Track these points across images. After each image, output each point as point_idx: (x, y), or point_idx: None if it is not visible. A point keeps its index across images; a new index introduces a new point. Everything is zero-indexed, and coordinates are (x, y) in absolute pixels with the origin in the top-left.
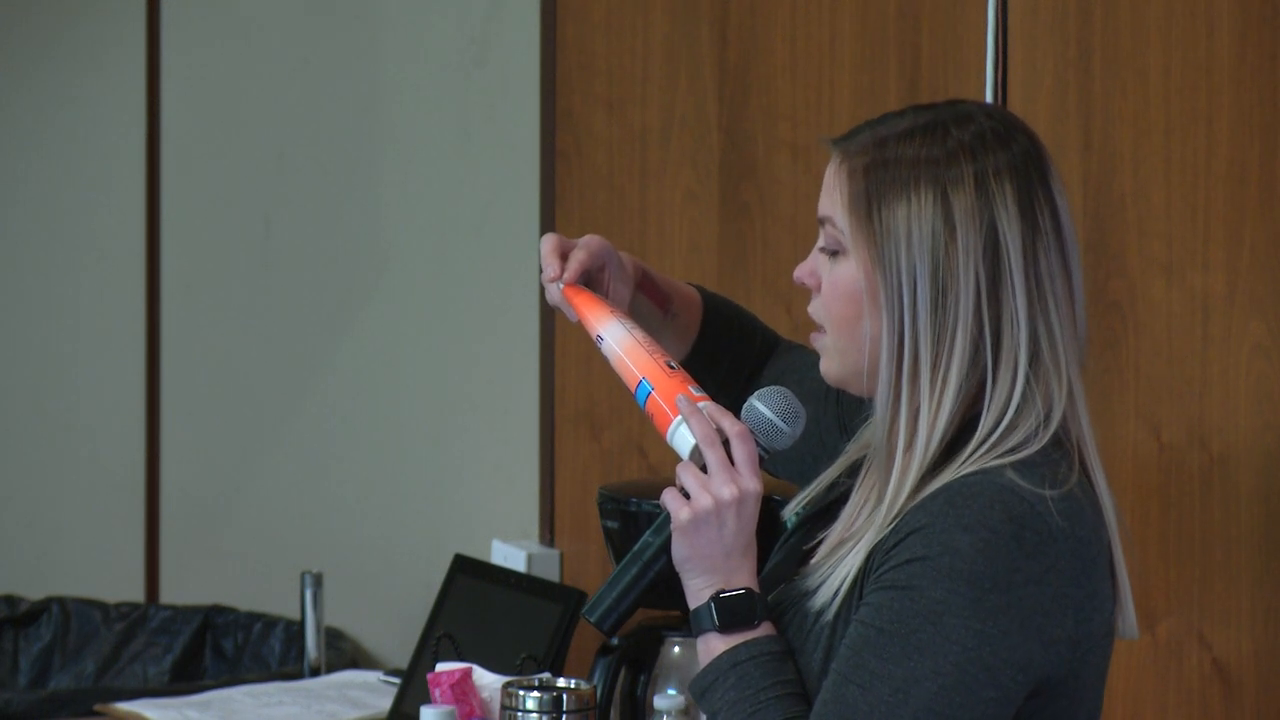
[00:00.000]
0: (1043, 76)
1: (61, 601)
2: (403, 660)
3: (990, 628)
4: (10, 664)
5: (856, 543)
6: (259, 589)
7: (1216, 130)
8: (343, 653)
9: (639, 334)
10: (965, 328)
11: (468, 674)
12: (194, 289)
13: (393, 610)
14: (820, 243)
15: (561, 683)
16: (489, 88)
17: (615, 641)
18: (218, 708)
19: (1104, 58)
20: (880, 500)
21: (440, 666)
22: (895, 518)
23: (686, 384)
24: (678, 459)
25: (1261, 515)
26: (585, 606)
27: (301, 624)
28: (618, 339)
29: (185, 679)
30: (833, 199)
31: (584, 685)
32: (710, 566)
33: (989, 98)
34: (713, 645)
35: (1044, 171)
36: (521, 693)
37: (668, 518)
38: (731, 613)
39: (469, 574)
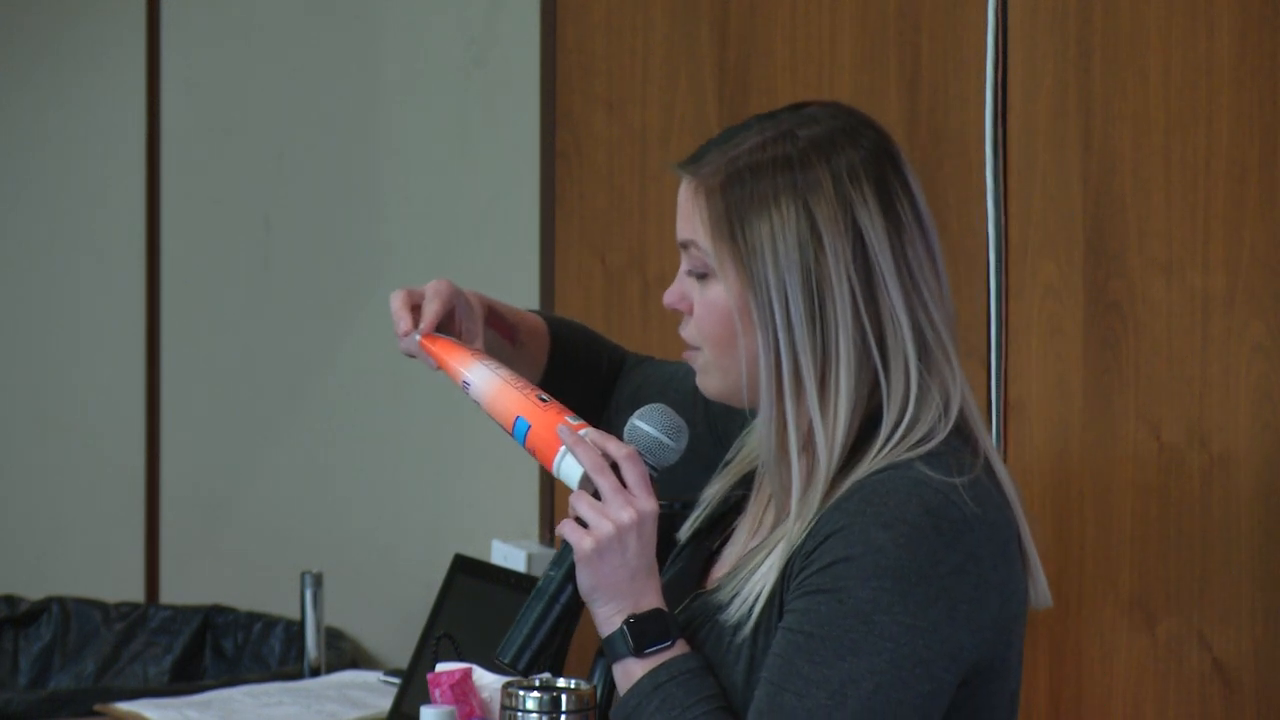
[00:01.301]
0: (1043, 76)
1: (61, 601)
2: (403, 660)
3: (920, 621)
4: (10, 664)
5: (769, 554)
6: (259, 589)
7: (1216, 130)
8: (343, 653)
9: (504, 372)
10: (847, 333)
11: (468, 674)
12: (194, 289)
13: (393, 610)
14: (685, 266)
15: (561, 683)
16: (489, 88)
17: None
18: (218, 708)
19: (1104, 57)
20: (787, 510)
21: (440, 666)
22: (809, 524)
23: (563, 414)
24: None
25: (1261, 515)
26: (498, 649)
27: (301, 624)
28: (485, 380)
29: (185, 679)
30: (692, 223)
31: (584, 685)
32: (618, 592)
33: (989, 98)
34: (631, 670)
35: (897, 163)
36: (521, 693)
37: (566, 549)
38: (645, 635)
39: (469, 574)
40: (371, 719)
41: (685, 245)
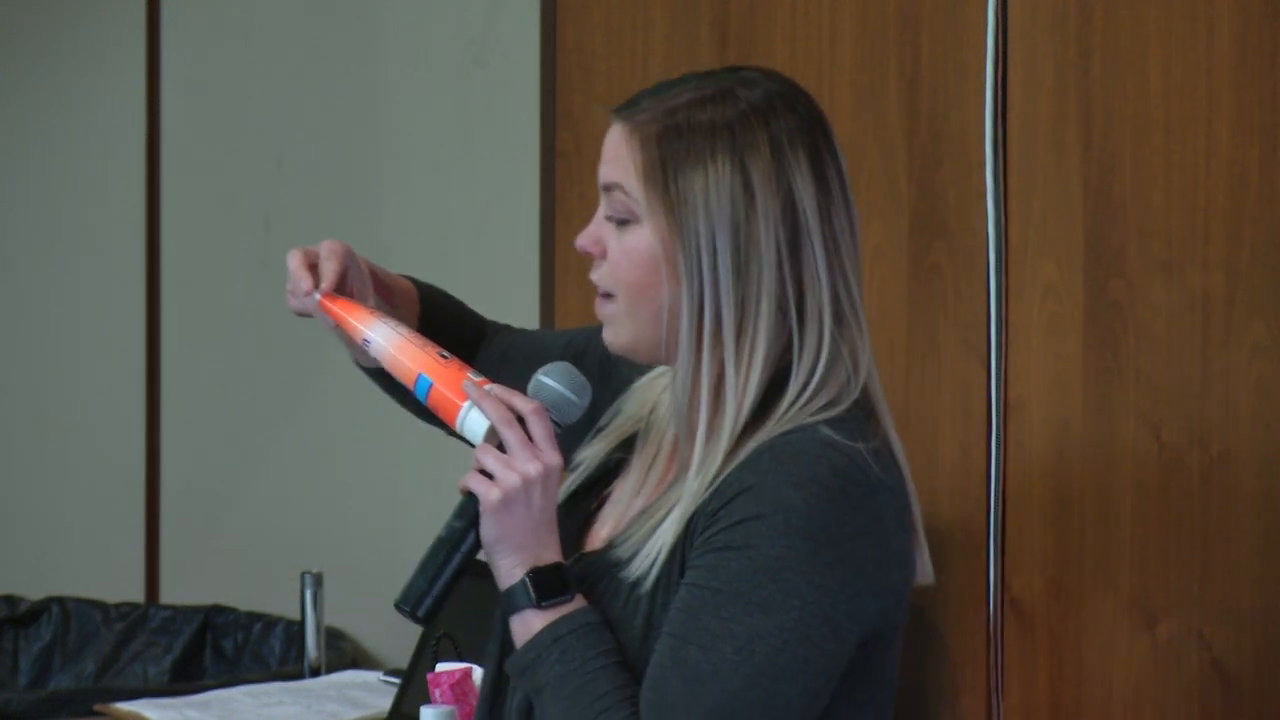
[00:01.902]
0: (1043, 77)
1: (62, 601)
2: (403, 660)
3: (828, 581)
4: (10, 664)
5: (668, 511)
6: (259, 589)
7: (1216, 130)
8: (343, 653)
9: (405, 330)
10: (769, 292)
11: (468, 674)
12: (194, 289)
13: (393, 610)
14: (606, 211)
15: None
16: (489, 88)
17: None
18: (218, 708)
19: (1104, 58)
20: (689, 459)
21: (440, 666)
22: (712, 482)
23: (465, 370)
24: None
25: (1261, 515)
26: (398, 598)
27: (302, 624)
28: (387, 338)
29: (185, 679)
30: (624, 167)
31: None
32: (521, 544)
33: (989, 98)
34: (530, 622)
35: (827, 133)
36: None
37: (469, 501)
38: (548, 587)
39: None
40: (372, 719)
41: (609, 189)
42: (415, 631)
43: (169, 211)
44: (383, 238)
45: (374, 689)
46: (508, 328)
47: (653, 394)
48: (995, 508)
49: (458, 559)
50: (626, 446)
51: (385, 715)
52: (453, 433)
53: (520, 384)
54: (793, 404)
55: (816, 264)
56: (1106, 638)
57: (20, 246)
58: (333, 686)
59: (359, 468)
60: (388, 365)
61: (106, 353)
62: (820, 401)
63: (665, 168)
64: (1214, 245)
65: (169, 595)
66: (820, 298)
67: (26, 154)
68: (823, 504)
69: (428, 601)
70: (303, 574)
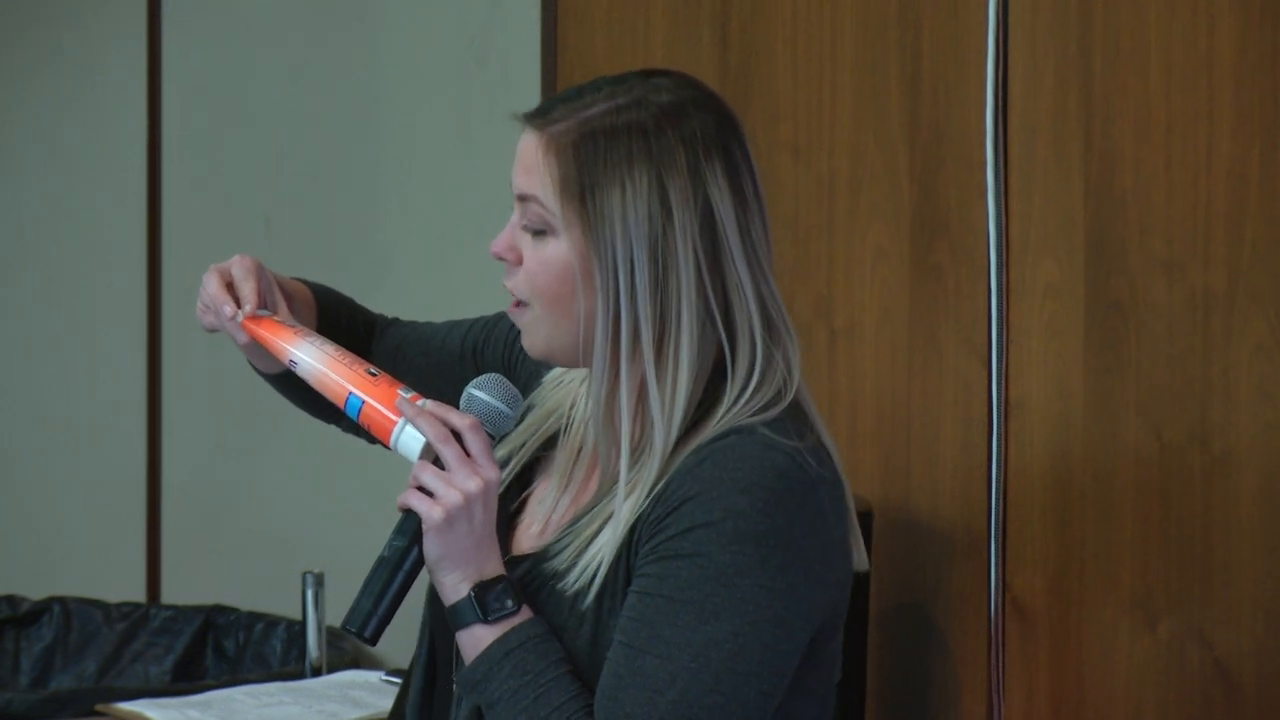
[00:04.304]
0: (1043, 75)
1: (63, 601)
2: (404, 660)
3: (780, 583)
4: (12, 664)
5: (603, 522)
6: (260, 589)
7: (1217, 128)
8: (344, 653)
9: (330, 347)
10: (690, 303)
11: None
12: (195, 289)
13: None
14: (521, 220)
15: None
16: (489, 87)
17: None
18: (219, 708)
19: (1105, 56)
20: (613, 471)
21: None
22: (652, 491)
23: (395, 387)
24: None
25: (1262, 515)
26: (344, 620)
27: (303, 624)
28: (313, 358)
29: (187, 679)
30: (540, 179)
31: None
32: (464, 560)
33: (990, 97)
34: (479, 637)
35: (741, 138)
36: None
37: (408, 519)
38: (493, 602)
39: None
40: (373, 719)
41: (525, 199)
42: (416, 631)
43: (170, 212)
44: (382, 237)
45: (375, 689)
46: (397, 320)
47: (570, 390)
48: (996, 507)
49: (400, 577)
50: (544, 445)
51: (387, 715)
52: (378, 442)
53: (416, 377)
54: (729, 409)
55: (739, 273)
56: (1107, 637)
57: (22, 247)
58: (334, 686)
59: (360, 468)
60: (316, 385)
61: (108, 353)
62: (757, 404)
63: (582, 180)
64: (1215, 244)
65: (170, 595)
66: (747, 307)
67: (28, 154)
68: (769, 507)
69: (374, 622)
70: (304, 574)
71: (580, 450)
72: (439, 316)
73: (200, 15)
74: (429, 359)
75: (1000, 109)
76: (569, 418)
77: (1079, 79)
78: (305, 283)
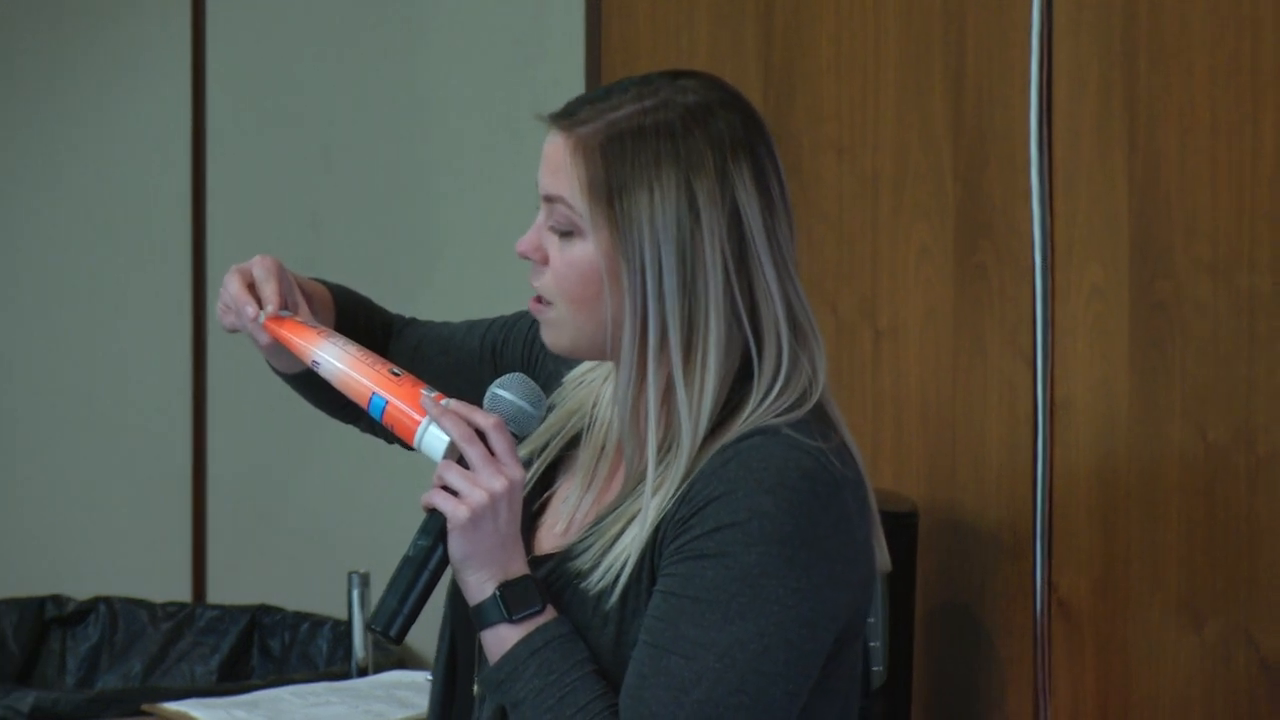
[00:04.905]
0: (1088, 75)
1: (109, 601)
2: None
3: (805, 584)
4: (58, 664)
5: (628, 521)
6: (306, 589)
7: (1263, 130)
8: (390, 653)
9: (352, 348)
10: (718, 307)
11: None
12: None
13: (439, 610)
14: (548, 221)
15: None
16: (535, 86)
17: None
18: (265, 708)
19: (1149, 57)
20: (639, 470)
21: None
22: (677, 491)
23: (419, 386)
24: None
25: None
26: (370, 619)
27: (349, 624)
28: (336, 358)
29: (232, 679)
30: (568, 180)
31: None
32: (490, 559)
33: (1034, 97)
34: (504, 636)
35: (767, 139)
36: None
37: (433, 518)
38: (519, 601)
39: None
40: (418, 719)
41: (551, 200)
42: None
43: (215, 210)
44: (430, 236)
45: (421, 689)
46: (414, 320)
47: (593, 389)
48: (1042, 508)
49: (426, 576)
50: (570, 443)
51: None
52: (399, 442)
53: (435, 376)
54: (753, 411)
55: (765, 275)
56: (1153, 638)
57: (67, 245)
58: (380, 686)
59: (406, 467)
60: (339, 385)
61: (153, 352)
62: (783, 404)
63: (610, 183)
64: (1260, 246)
65: (216, 595)
66: (774, 309)
67: (72, 153)
68: (794, 507)
69: (399, 620)
70: (350, 574)
71: (603, 449)
72: (487, 315)
73: (245, 13)
74: (448, 358)
75: (1044, 110)
76: (591, 417)
77: (1123, 80)
78: (323, 282)
